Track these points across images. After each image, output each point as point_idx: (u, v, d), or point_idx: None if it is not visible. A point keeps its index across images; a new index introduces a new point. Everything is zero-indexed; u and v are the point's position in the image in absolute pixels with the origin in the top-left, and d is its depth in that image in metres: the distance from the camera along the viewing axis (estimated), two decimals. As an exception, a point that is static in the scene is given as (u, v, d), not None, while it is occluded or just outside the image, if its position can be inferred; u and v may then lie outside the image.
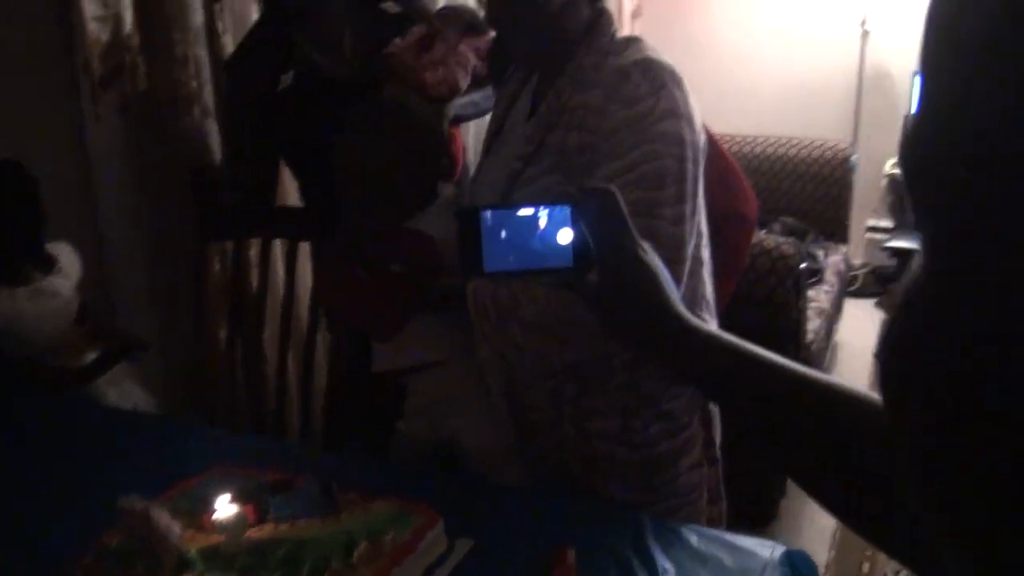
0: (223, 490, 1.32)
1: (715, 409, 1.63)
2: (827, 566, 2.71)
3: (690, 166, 1.37)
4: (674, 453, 1.58)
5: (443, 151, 1.77)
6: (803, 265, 2.65)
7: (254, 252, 2.36)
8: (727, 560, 1.32)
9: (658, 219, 1.34)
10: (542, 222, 0.98)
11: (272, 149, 2.19)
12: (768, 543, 1.36)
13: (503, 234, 0.98)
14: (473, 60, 1.94)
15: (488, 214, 0.98)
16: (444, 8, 2.17)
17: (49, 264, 1.96)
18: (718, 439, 1.68)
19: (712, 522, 1.68)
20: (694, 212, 1.41)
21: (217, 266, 2.41)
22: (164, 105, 2.28)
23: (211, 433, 1.80)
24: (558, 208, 0.98)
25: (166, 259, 2.41)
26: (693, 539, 1.36)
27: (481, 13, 2.12)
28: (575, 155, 1.41)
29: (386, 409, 1.88)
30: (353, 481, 1.43)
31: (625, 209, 0.94)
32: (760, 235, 3.00)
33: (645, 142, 1.33)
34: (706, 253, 1.54)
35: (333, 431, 2.14)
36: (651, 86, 1.35)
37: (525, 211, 0.98)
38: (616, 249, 0.94)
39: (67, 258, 2.01)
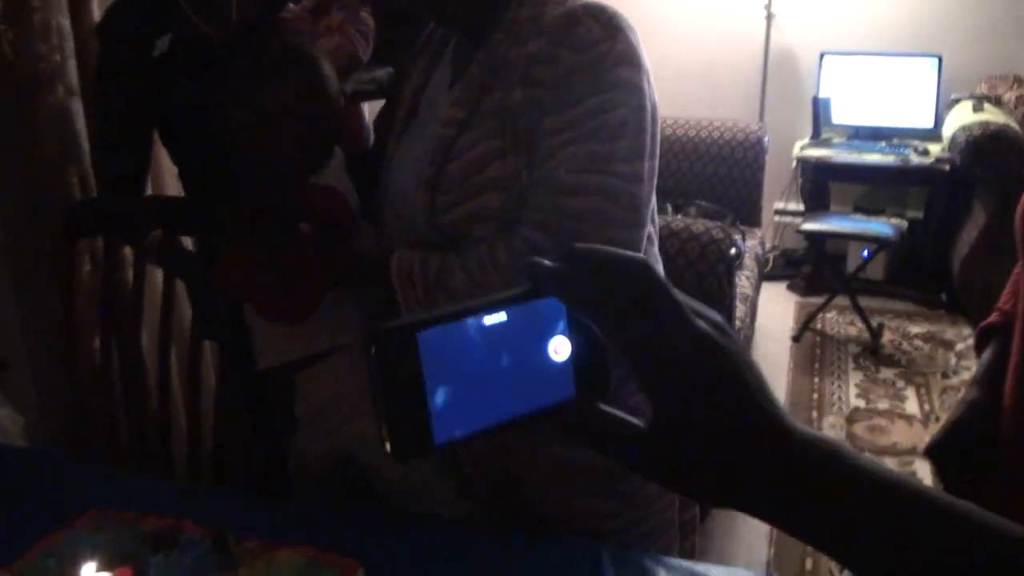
0: (95, 547, 1.08)
1: None
2: (768, 563, 2.57)
3: (649, 120, 1.21)
4: None
5: (337, 101, 1.47)
6: (732, 251, 2.48)
7: (128, 249, 2.07)
8: (703, 598, 1.13)
9: (613, 175, 1.17)
10: (517, 332, 0.57)
11: (147, 125, 1.91)
12: (741, 572, 1.18)
13: (453, 367, 0.55)
14: (373, 26, 1.72)
15: (428, 335, 0.54)
16: None
17: None
18: None
19: (686, 527, 1.52)
20: (652, 175, 1.23)
21: (88, 266, 2.12)
22: (25, 83, 1.98)
23: (85, 470, 1.53)
24: (537, 303, 0.58)
25: (31, 259, 2.11)
26: (661, 572, 1.17)
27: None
28: (519, 115, 1.22)
29: (279, 420, 1.64)
30: (251, 524, 1.20)
31: (660, 272, 0.58)
32: (678, 219, 2.86)
33: (600, 90, 1.18)
34: (655, 231, 1.36)
35: (228, 455, 1.88)
36: (604, 30, 1.19)
37: (489, 318, 0.56)
38: (662, 338, 0.54)
39: None
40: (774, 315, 4.47)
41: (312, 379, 1.53)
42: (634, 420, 0.55)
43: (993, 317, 1.39)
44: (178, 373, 2.14)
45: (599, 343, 0.58)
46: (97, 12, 2.12)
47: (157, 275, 2.06)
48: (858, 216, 4.62)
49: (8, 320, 2.12)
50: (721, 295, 2.43)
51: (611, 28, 1.19)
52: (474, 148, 1.26)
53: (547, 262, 0.56)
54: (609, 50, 1.18)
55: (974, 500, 0.54)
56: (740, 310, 2.99)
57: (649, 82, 1.22)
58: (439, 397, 0.54)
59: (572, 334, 0.58)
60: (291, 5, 1.77)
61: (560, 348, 0.57)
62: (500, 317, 0.56)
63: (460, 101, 1.29)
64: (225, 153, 1.43)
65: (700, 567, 1.18)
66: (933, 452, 1.31)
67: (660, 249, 1.42)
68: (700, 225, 2.48)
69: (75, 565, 1.05)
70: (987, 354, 1.37)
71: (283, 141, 1.39)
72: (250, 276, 1.38)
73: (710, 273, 2.41)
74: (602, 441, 0.57)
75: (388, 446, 0.53)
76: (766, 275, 4.64)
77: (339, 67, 1.65)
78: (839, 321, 4.45)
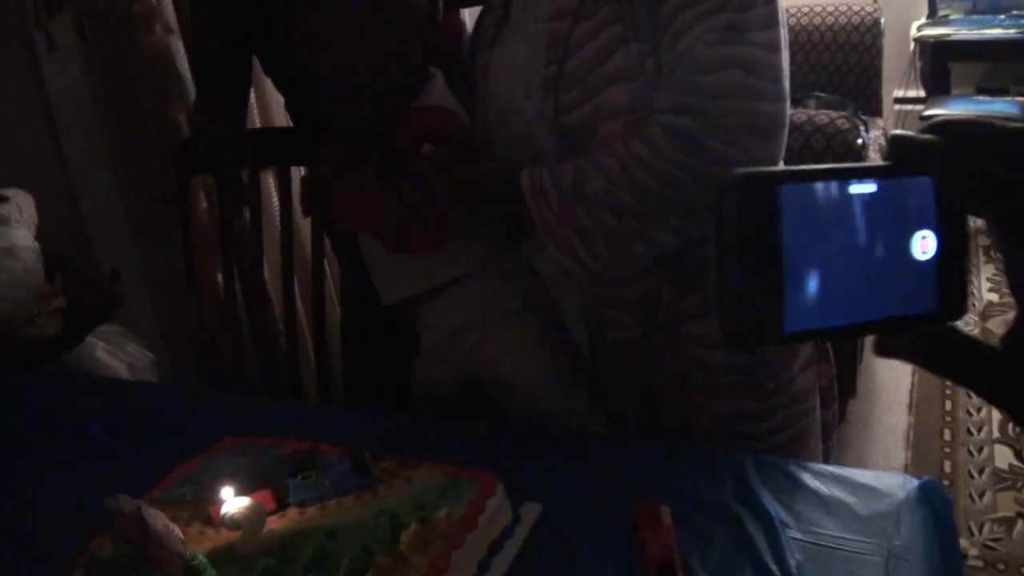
0: (233, 472, 1.08)
1: None
2: (905, 467, 2.49)
3: None
4: (784, 351, 1.31)
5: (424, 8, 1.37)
6: (859, 141, 2.36)
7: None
8: (854, 503, 1.07)
9: (753, 45, 1.10)
10: (883, 213, 0.47)
11: (245, 54, 1.88)
12: (897, 477, 1.12)
13: (814, 239, 0.46)
14: None
15: (792, 191, 0.45)
16: None
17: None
18: None
19: (827, 428, 1.44)
20: (786, 45, 1.15)
21: (204, 203, 2.13)
22: (122, 25, 1.97)
23: (217, 398, 1.55)
24: (905, 183, 0.47)
25: (146, 199, 2.14)
26: (808, 479, 1.12)
27: None
28: None
29: (402, 350, 1.61)
30: (387, 443, 1.19)
31: None
32: (799, 111, 2.72)
33: None
34: None
35: (355, 381, 1.89)
36: None
37: (857, 187, 0.46)
38: None
39: (17, 204, 1.75)
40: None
41: (436, 309, 1.47)
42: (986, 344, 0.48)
43: None
44: (302, 302, 2.14)
45: (966, 247, 0.49)
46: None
47: (273, 206, 2.06)
48: (982, 97, 4.37)
49: (129, 259, 2.15)
50: (848, 188, 2.33)
51: None
52: (594, 39, 1.18)
53: (918, 134, 0.46)
54: None
55: None
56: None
57: None
58: (796, 274, 0.45)
59: (939, 231, 0.48)
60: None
61: (926, 245, 0.48)
62: (869, 188, 0.46)
63: None
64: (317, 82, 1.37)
65: (845, 471, 1.13)
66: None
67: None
68: (824, 116, 2.36)
69: (213, 491, 1.04)
70: None
71: (372, 56, 1.30)
72: (369, 210, 1.31)
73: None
74: (960, 367, 0.49)
75: (727, 328, 0.45)
76: (889, 167, 4.45)
77: None
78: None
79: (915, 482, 1.09)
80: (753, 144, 1.10)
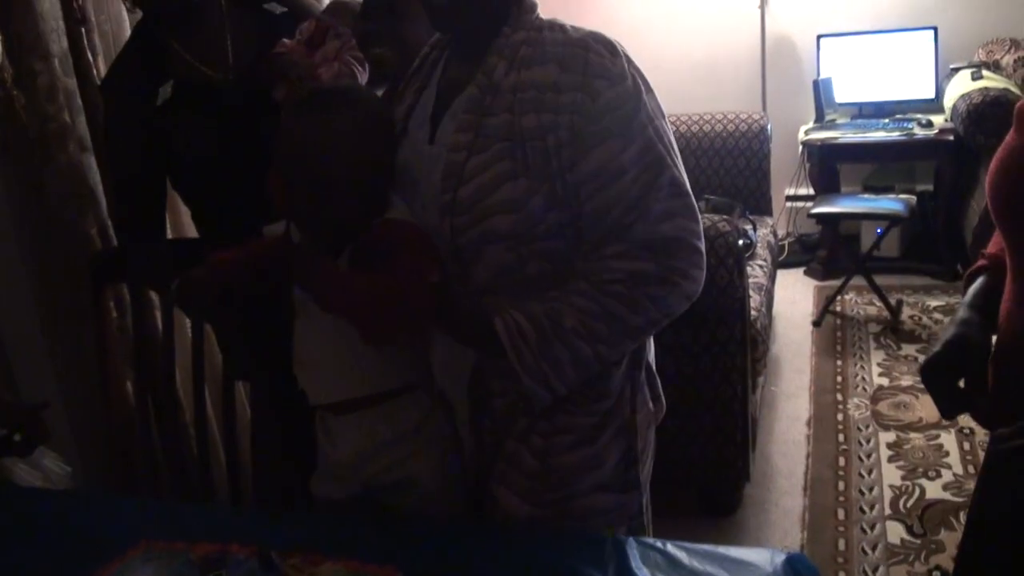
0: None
1: (643, 420, 1.49)
2: (802, 547, 2.60)
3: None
4: (571, 468, 1.44)
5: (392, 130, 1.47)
6: (741, 242, 2.53)
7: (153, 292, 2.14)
8: (727, 578, 1.17)
9: (688, 196, 1.33)
10: None
11: (159, 171, 1.98)
12: (765, 551, 1.23)
13: None
14: None
15: None
16: (333, 2, 1.99)
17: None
18: (646, 461, 1.52)
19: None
20: None
21: (114, 312, 2.19)
22: (36, 143, 2.05)
23: (131, 503, 1.59)
24: None
25: (60, 309, 2.18)
26: (684, 558, 1.22)
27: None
28: (534, 140, 1.30)
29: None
30: (295, 541, 1.26)
31: None
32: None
33: (647, 123, 1.30)
34: None
35: (264, 482, 1.94)
36: (622, 61, 1.31)
37: None
38: None
39: None
40: (794, 301, 4.49)
41: (362, 420, 1.49)
42: None
43: (979, 262, 1.45)
44: (212, 406, 2.19)
45: None
46: (103, 68, 2.19)
47: (184, 318, 2.13)
48: (868, 195, 4.64)
49: (42, 369, 2.18)
50: (732, 288, 2.47)
51: (626, 58, 1.32)
52: (486, 171, 1.31)
53: None
54: (635, 82, 1.31)
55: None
56: (755, 300, 3.01)
57: None
58: None
59: None
60: (285, 41, 1.83)
61: None
62: None
63: (464, 124, 1.35)
64: (236, 192, 1.45)
65: (722, 549, 1.23)
66: (927, 372, 1.35)
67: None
68: (706, 220, 2.52)
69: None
70: (977, 284, 1.42)
71: (354, 167, 1.37)
72: (354, 293, 1.33)
73: (720, 267, 2.45)
74: None
75: None
76: (782, 262, 4.66)
77: None
78: (858, 302, 4.46)
79: (783, 555, 1.20)
80: (696, 274, 1.31)
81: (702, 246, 1.32)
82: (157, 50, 1.90)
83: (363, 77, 1.76)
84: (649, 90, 1.33)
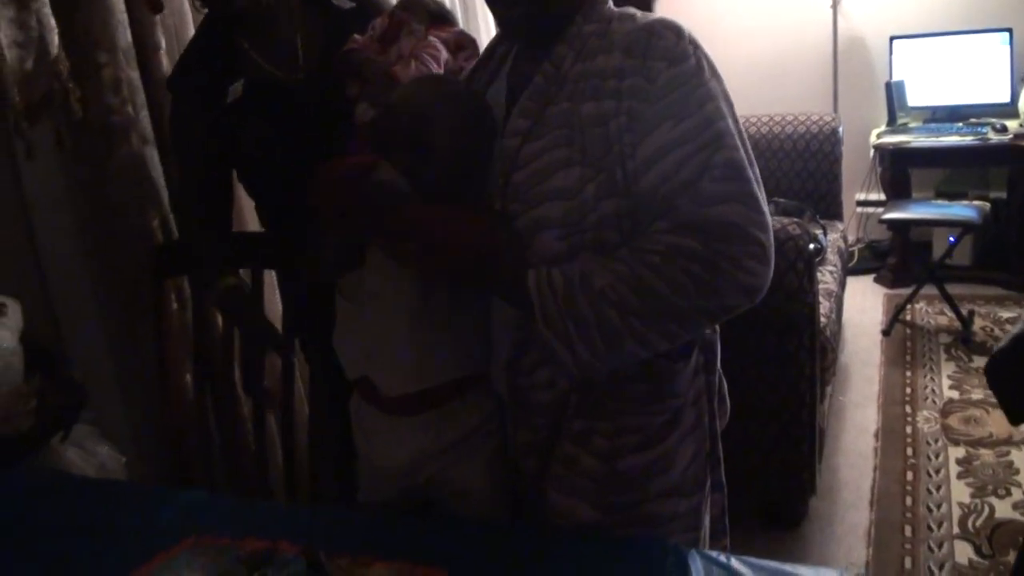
0: (192, 571, 1.11)
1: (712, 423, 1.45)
2: (867, 564, 2.52)
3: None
4: (639, 470, 1.39)
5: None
6: (811, 247, 2.45)
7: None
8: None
9: (750, 181, 1.23)
10: None
11: (225, 168, 1.97)
12: (832, 572, 1.17)
13: None
14: (444, 52, 1.73)
15: None
16: None
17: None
18: (717, 466, 1.49)
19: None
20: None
21: (175, 304, 2.19)
22: (99, 135, 2.06)
23: (184, 497, 1.57)
24: None
25: (120, 301, 2.19)
26: (748, 574, 1.16)
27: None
28: (592, 127, 1.26)
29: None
30: (346, 540, 1.23)
31: None
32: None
33: (705, 101, 1.24)
34: None
35: (320, 477, 1.93)
36: (689, 44, 1.26)
37: None
38: None
39: (3, 307, 1.80)
40: (863, 309, 4.40)
41: (417, 425, 1.46)
42: None
43: None
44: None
45: None
46: (166, 63, 2.20)
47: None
48: (940, 201, 4.52)
49: (101, 361, 2.19)
50: (802, 293, 2.40)
51: (692, 42, 1.27)
52: (540, 157, 1.29)
53: None
54: (699, 63, 1.25)
55: None
56: (824, 306, 2.93)
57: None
58: None
59: None
60: (357, 37, 1.80)
61: None
62: None
63: (525, 111, 1.33)
64: (303, 189, 1.42)
65: (788, 567, 1.17)
66: (992, 369, 1.28)
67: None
68: (776, 223, 2.45)
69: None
70: None
71: (464, 132, 1.37)
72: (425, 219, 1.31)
73: (790, 271, 2.38)
74: None
75: None
76: (852, 269, 4.57)
77: None
78: (928, 311, 4.35)
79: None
80: (754, 267, 1.20)
81: (763, 237, 1.21)
82: (225, 48, 1.89)
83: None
84: (715, 74, 1.28)
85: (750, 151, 1.27)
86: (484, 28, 3.77)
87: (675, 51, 1.25)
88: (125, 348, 2.22)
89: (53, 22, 1.88)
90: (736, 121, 1.27)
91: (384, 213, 1.30)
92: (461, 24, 2.00)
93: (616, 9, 1.36)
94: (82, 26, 2.01)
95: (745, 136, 1.27)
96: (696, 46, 1.27)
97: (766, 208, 1.24)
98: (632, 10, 1.34)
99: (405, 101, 1.39)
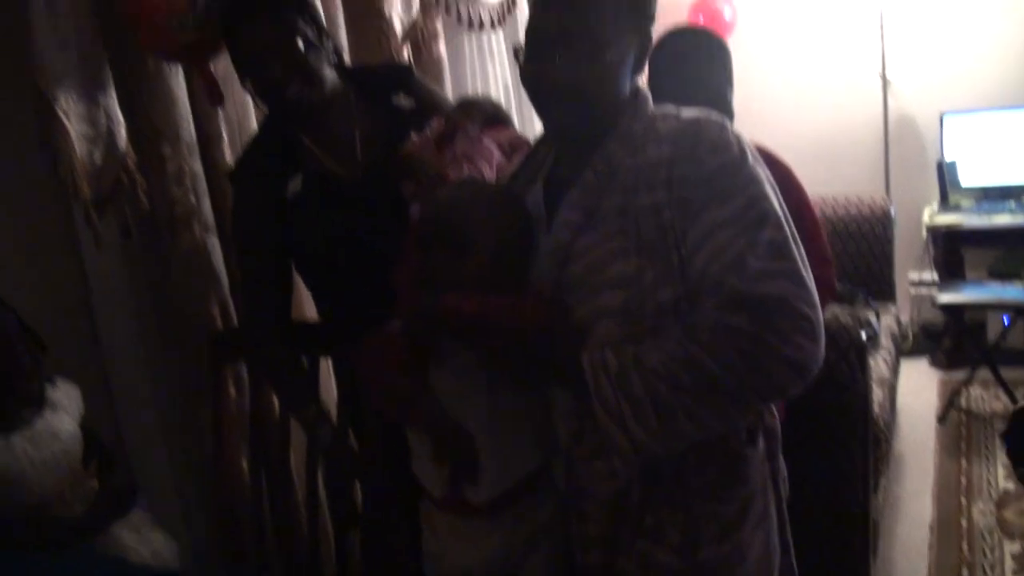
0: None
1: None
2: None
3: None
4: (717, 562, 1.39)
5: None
6: (863, 335, 2.44)
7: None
8: None
9: (795, 260, 1.28)
10: None
11: (285, 259, 2.02)
12: None
13: None
14: (497, 155, 1.77)
15: None
16: (463, 100, 2.01)
17: (43, 402, 1.78)
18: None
19: None
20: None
21: (233, 390, 2.23)
22: (162, 224, 2.12)
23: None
24: None
25: (177, 388, 2.23)
26: None
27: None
28: (647, 216, 1.32)
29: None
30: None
31: None
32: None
33: (748, 185, 1.30)
34: None
35: (372, 566, 1.93)
36: (730, 134, 1.33)
37: None
38: None
39: (65, 392, 1.84)
40: (918, 394, 4.32)
41: (493, 525, 1.48)
42: None
43: None
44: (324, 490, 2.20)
45: None
46: (228, 154, 2.26)
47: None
48: (994, 282, 4.46)
49: (156, 447, 2.23)
50: (854, 384, 2.38)
51: (733, 132, 1.34)
52: (596, 249, 1.33)
53: None
54: (742, 151, 1.32)
55: None
56: (878, 395, 2.90)
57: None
58: None
59: None
60: (414, 137, 1.85)
61: None
62: None
63: (576, 205, 1.38)
64: (359, 282, 1.48)
65: None
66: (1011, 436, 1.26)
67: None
68: (827, 312, 2.44)
69: None
70: None
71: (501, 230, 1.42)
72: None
73: (841, 361, 2.36)
74: None
75: None
76: (906, 351, 4.50)
77: None
78: (984, 396, 4.26)
79: None
80: (802, 342, 1.22)
81: (811, 313, 1.24)
82: (286, 142, 1.94)
83: (490, 177, 1.77)
84: (758, 161, 1.34)
85: (795, 232, 1.30)
86: (540, 129, 3.82)
87: (720, 141, 1.31)
88: (181, 434, 2.25)
89: (121, 116, 1.96)
90: (781, 203, 1.31)
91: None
92: (517, 125, 2.04)
93: (658, 110, 1.42)
94: (147, 119, 2.08)
95: (790, 218, 1.31)
96: (739, 136, 1.34)
97: (813, 285, 1.27)
98: (672, 108, 1.41)
99: (441, 204, 1.46)
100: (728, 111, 2.17)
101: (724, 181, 1.29)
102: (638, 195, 1.33)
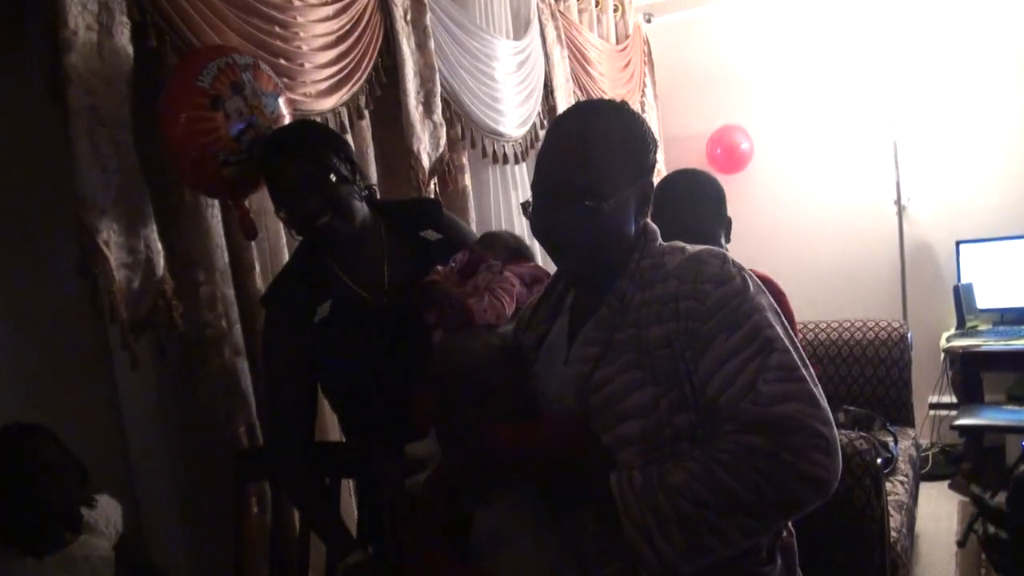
0: None
1: None
2: None
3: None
4: None
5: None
6: (879, 460, 2.46)
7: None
8: None
9: (805, 381, 1.35)
10: None
11: (312, 383, 2.09)
12: None
13: None
14: (518, 287, 1.86)
15: None
16: (486, 235, 2.12)
17: (79, 526, 1.84)
18: None
19: None
20: None
21: (255, 508, 2.27)
22: (194, 346, 2.21)
23: None
24: None
25: (202, 504, 2.28)
26: None
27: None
28: (659, 348, 1.40)
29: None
30: None
31: None
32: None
33: (752, 313, 1.37)
34: None
35: None
36: (731, 267, 1.42)
37: None
38: None
39: (103, 511, 1.90)
40: (938, 518, 4.28)
41: None
42: None
43: None
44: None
45: None
46: (260, 282, 2.36)
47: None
48: (1012, 406, 4.45)
49: (180, 563, 2.26)
50: (870, 509, 2.38)
51: (736, 265, 1.43)
52: (613, 381, 1.41)
53: None
54: (744, 281, 1.41)
55: None
56: (895, 520, 2.89)
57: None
58: None
59: None
60: (439, 268, 1.94)
61: None
62: None
63: (592, 339, 1.47)
64: (383, 405, 1.54)
65: None
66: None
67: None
68: (842, 437, 2.46)
69: None
70: None
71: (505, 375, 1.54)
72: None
73: (857, 487, 2.38)
74: None
75: None
76: (925, 475, 4.48)
77: (488, 324, 1.80)
78: (1005, 520, 4.22)
79: None
80: (818, 458, 1.29)
81: (825, 430, 1.30)
82: (317, 269, 2.03)
83: (510, 309, 1.85)
84: (760, 290, 1.42)
85: (803, 353, 1.38)
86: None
87: (721, 274, 1.41)
88: (204, 549, 2.29)
89: (160, 246, 2.06)
90: (784, 328, 1.39)
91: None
92: (538, 258, 2.14)
93: (666, 244, 1.52)
94: (183, 248, 2.19)
95: (796, 340, 1.39)
96: (740, 268, 1.43)
97: (825, 403, 1.34)
98: (680, 243, 1.51)
99: (457, 363, 1.56)
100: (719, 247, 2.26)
101: (727, 312, 1.37)
102: (650, 328, 1.42)
